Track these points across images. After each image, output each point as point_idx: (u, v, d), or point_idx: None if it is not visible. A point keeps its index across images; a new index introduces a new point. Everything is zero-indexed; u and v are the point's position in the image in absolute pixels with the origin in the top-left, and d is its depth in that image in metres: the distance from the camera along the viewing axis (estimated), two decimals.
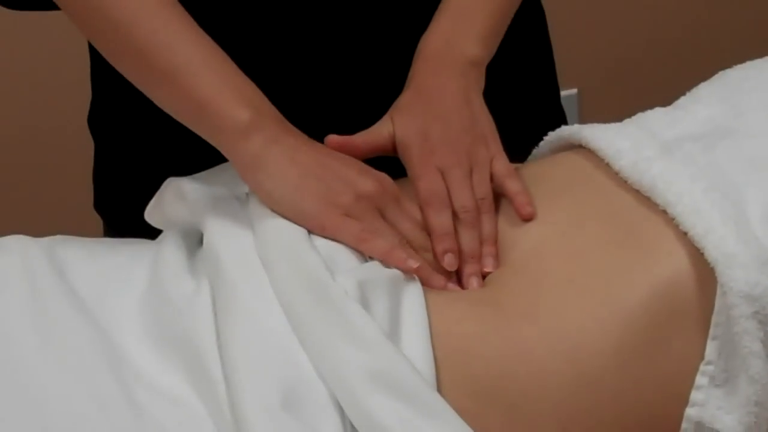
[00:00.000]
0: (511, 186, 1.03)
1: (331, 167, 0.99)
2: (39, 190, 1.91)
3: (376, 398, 0.87)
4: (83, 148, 1.32)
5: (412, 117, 1.05)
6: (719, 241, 0.90)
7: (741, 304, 0.88)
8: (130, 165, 1.22)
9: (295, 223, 0.98)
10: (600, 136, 1.02)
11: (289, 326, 0.92)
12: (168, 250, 1.00)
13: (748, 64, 1.07)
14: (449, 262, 0.99)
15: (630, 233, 0.97)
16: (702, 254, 0.91)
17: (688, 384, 0.91)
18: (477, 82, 1.08)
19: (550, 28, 1.30)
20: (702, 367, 0.91)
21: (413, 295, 0.95)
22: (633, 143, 1.00)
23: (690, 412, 0.91)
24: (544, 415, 0.91)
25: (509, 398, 0.91)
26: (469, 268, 1.00)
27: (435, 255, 1.00)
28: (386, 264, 0.96)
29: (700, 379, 0.91)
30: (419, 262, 0.96)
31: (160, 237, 1.05)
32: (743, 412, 0.90)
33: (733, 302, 0.88)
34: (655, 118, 1.03)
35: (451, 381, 0.91)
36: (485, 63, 1.09)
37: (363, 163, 1.03)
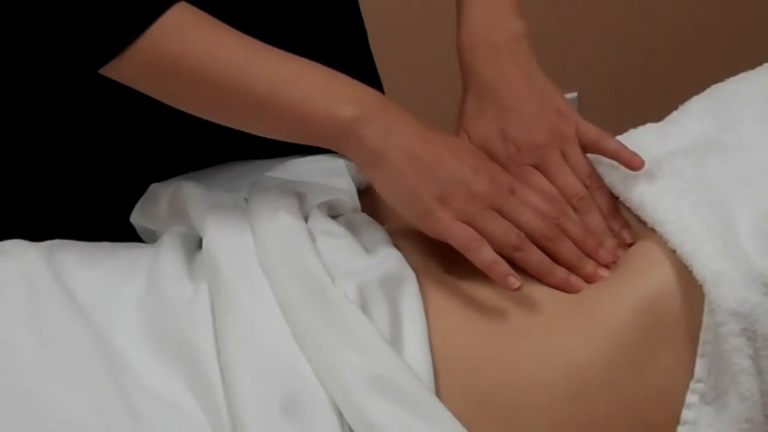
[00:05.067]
0: (608, 146, 1.01)
1: (446, 164, 0.97)
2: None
3: (376, 403, 0.87)
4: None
5: (483, 120, 1.05)
6: (707, 259, 0.90)
7: (729, 321, 0.88)
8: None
9: (409, 221, 0.97)
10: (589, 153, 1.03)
11: (289, 330, 0.92)
12: (166, 253, 1.00)
13: (740, 76, 1.07)
14: (605, 258, 0.98)
15: None
16: (690, 272, 0.91)
17: (679, 400, 0.91)
18: (529, 56, 1.07)
19: (550, 32, 1.30)
20: (692, 385, 0.91)
21: (412, 302, 0.94)
22: None
23: (682, 430, 0.91)
24: (539, 426, 0.91)
25: (504, 410, 0.91)
26: (608, 243, 0.99)
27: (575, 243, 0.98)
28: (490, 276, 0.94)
29: (691, 397, 0.91)
30: (519, 282, 0.94)
31: (159, 241, 1.04)
32: (735, 430, 0.90)
33: (721, 320, 0.88)
34: (645, 133, 1.03)
35: (448, 390, 0.91)
36: (527, 30, 1.08)
37: (478, 152, 1.01)
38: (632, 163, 0.99)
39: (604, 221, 1.00)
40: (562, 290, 0.96)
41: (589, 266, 0.97)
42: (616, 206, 1.01)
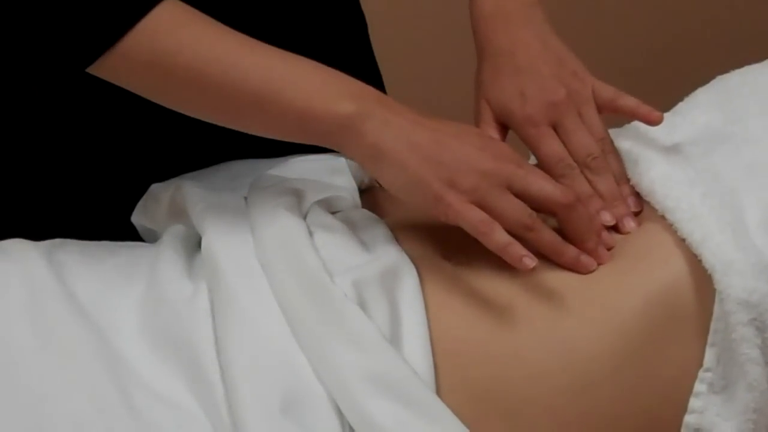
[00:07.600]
0: (626, 104, 1.02)
1: (448, 146, 0.96)
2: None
3: (376, 401, 0.87)
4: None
5: (500, 83, 1.05)
6: (717, 248, 0.90)
7: (738, 311, 0.88)
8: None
9: (420, 209, 0.96)
10: None
11: (288, 329, 0.92)
12: (166, 253, 1.00)
13: (747, 68, 1.07)
14: (607, 218, 0.98)
15: (626, 240, 0.98)
16: (700, 261, 0.91)
17: (687, 391, 0.91)
18: (544, 21, 1.08)
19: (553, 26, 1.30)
20: (701, 374, 0.91)
21: (412, 296, 0.94)
22: (632, 145, 1.01)
23: (689, 419, 0.91)
24: (541, 419, 0.90)
25: (506, 402, 0.91)
26: (618, 211, 0.99)
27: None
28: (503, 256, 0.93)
29: (699, 386, 0.91)
30: (535, 262, 0.92)
31: (159, 241, 1.04)
32: (742, 419, 0.89)
33: (730, 309, 0.88)
34: None
35: (449, 385, 0.91)
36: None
37: (480, 132, 1.02)
38: (651, 118, 1.00)
39: (615, 185, 1.00)
40: (574, 270, 0.95)
41: (603, 236, 0.97)
42: (626, 173, 1.01)
